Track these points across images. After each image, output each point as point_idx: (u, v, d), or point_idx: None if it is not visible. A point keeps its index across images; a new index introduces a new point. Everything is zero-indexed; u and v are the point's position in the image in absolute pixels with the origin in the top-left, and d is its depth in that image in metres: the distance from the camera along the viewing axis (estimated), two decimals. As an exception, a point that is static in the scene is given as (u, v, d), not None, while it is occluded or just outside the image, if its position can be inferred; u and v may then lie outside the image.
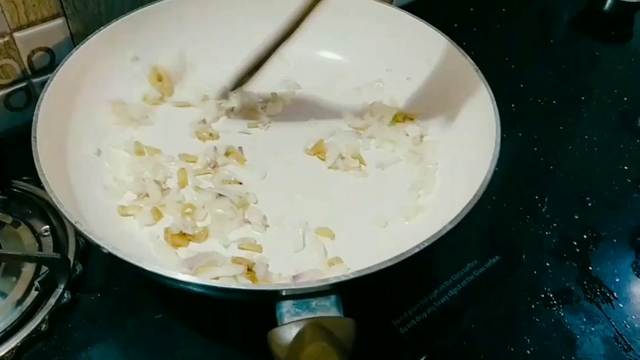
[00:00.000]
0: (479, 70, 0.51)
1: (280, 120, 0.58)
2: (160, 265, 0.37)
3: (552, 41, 0.79)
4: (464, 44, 0.56)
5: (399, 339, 0.46)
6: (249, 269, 0.44)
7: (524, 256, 0.53)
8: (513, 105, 0.68)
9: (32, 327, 0.45)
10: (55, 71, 0.51)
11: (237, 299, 0.38)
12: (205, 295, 0.38)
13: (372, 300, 0.46)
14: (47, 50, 0.58)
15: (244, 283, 0.43)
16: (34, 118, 0.46)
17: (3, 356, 0.43)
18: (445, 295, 0.49)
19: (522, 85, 0.71)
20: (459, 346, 0.47)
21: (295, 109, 0.59)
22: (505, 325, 0.48)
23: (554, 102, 0.70)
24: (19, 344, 0.44)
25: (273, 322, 0.36)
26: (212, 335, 0.46)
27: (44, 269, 0.47)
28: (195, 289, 0.37)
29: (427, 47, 0.57)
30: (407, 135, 0.56)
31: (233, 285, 0.40)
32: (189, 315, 0.47)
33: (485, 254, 0.52)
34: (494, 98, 0.49)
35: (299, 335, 0.34)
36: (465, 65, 0.52)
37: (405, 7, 0.60)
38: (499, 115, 0.48)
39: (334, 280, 0.36)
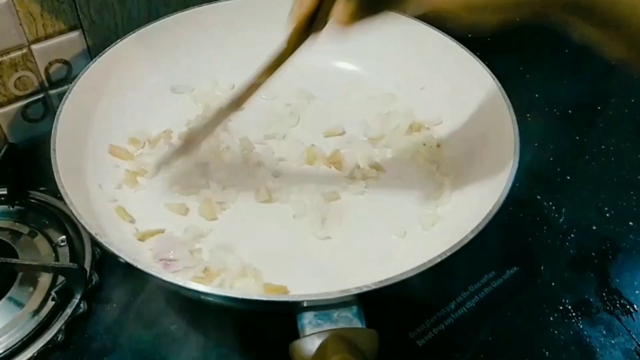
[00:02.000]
0: (496, 79, 0.51)
1: (295, 132, 0.58)
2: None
3: (567, 50, 0.79)
4: (478, 53, 0.56)
5: (417, 352, 0.46)
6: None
7: (542, 267, 0.53)
8: (528, 115, 0.68)
9: (49, 337, 0.45)
10: (73, 84, 0.51)
11: (258, 310, 0.38)
12: (226, 306, 0.38)
13: (390, 312, 0.46)
14: (64, 62, 0.59)
15: (265, 295, 0.43)
16: (52, 131, 0.47)
17: (20, 366, 0.44)
18: (462, 307, 0.49)
19: (537, 95, 0.71)
20: (477, 359, 0.46)
21: (310, 119, 0.59)
22: (524, 337, 0.48)
23: (570, 111, 0.69)
24: (35, 354, 0.45)
25: (293, 333, 0.36)
26: (229, 346, 0.46)
27: (61, 279, 0.48)
28: (216, 300, 0.37)
29: (442, 56, 0.57)
30: (424, 144, 0.56)
31: (255, 296, 0.40)
32: (205, 325, 0.47)
33: (502, 265, 0.52)
34: (511, 107, 0.49)
35: (321, 347, 0.34)
36: (482, 75, 0.53)
37: (419, 17, 0.60)
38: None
39: (356, 291, 0.36)
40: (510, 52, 0.78)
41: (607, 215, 0.58)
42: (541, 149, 0.65)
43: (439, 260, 0.38)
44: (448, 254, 0.38)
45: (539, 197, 0.60)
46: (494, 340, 0.47)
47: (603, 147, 0.66)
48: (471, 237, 0.39)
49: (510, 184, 0.43)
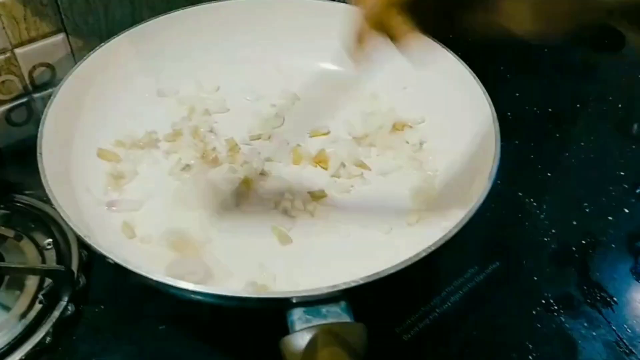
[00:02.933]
0: (477, 78, 0.53)
1: (280, 132, 0.59)
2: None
3: (546, 50, 0.80)
4: (459, 53, 0.58)
5: (403, 347, 0.47)
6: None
7: (524, 262, 0.54)
8: (509, 113, 0.70)
9: (37, 340, 0.45)
10: (58, 87, 0.52)
11: (247, 307, 0.39)
12: (215, 304, 0.39)
13: (375, 307, 0.47)
14: (48, 65, 0.60)
15: (254, 292, 0.43)
16: (38, 134, 0.47)
17: (8, 369, 0.44)
18: (447, 301, 0.50)
19: (517, 94, 0.73)
20: (462, 352, 0.47)
21: (295, 120, 0.60)
22: (507, 331, 0.49)
23: (550, 109, 0.71)
24: (23, 358, 0.44)
25: (283, 329, 0.37)
26: (217, 344, 0.46)
27: (48, 281, 0.48)
28: (205, 298, 0.37)
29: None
30: (407, 142, 0.57)
31: (244, 294, 0.41)
32: (193, 325, 0.47)
33: (485, 260, 0.53)
34: (492, 104, 0.50)
35: (311, 342, 0.35)
36: (463, 74, 0.54)
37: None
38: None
39: (344, 286, 0.37)
40: (491, 52, 0.80)
41: (587, 210, 0.60)
42: (522, 147, 0.66)
43: (423, 254, 0.39)
44: (432, 248, 0.39)
45: (520, 193, 0.61)
46: (478, 334, 0.48)
47: (582, 143, 0.67)
48: (454, 231, 0.40)
49: (491, 181, 0.44)
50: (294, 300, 0.37)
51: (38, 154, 0.45)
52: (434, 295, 0.50)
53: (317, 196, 0.52)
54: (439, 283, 0.51)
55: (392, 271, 0.37)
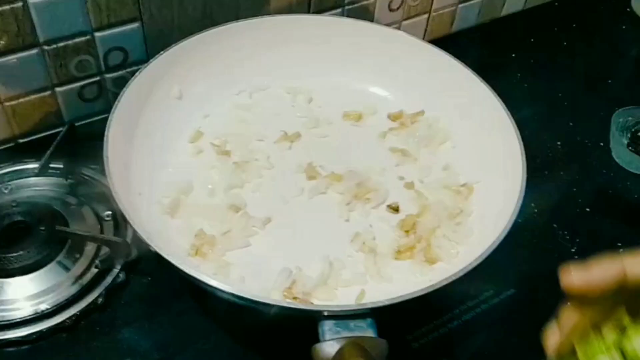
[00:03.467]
0: (512, 120, 0.61)
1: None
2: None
3: (609, 81, 0.87)
4: (518, 75, 0.63)
5: (410, 353, 0.56)
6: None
7: (540, 294, 0.62)
8: (559, 143, 0.78)
9: (90, 300, 0.57)
10: (123, 90, 0.61)
11: (281, 313, 0.48)
12: (249, 308, 0.48)
13: (391, 315, 0.56)
14: (122, 49, 0.72)
15: (289, 302, 0.53)
16: (104, 139, 0.56)
17: (64, 321, 0.56)
18: (458, 319, 0.59)
19: (571, 124, 0.80)
20: (467, 368, 0.57)
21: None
22: (514, 353, 0.58)
23: (601, 144, 0.78)
24: (78, 313, 0.57)
25: (314, 337, 0.46)
26: (248, 342, 0.57)
27: (105, 250, 0.60)
28: (241, 302, 0.47)
29: (461, 87, 0.67)
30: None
31: (281, 303, 0.50)
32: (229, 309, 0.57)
33: (502, 285, 0.62)
34: (521, 142, 0.59)
35: (339, 352, 0.44)
36: (500, 113, 0.62)
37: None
38: (531, 156, 0.58)
39: (371, 305, 0.47)
40: (553, 77, 0.87)
41: (620, 250, 0.67)
42: (566, 179, 0.74)
43: (444, 283, 0.48)
44: (453, 278, 0.48)
45: (555, 225, 0.69)
46: (484, 353, 0.58)
47: (628, 183, 0.74)
48: (475, 264, 0.49)
49: (513, 219, 0.53)
50: (325, 313, 0.47)
51: (105, 157, 0.55)
52: (446, 312, 0.59)
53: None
54: (453, 301, 0.60)
55: (415, 295, 0.47)
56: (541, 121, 0.79)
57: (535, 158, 0.59)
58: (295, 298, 0.54)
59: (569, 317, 0.42)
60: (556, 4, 1.02)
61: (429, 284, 0.48)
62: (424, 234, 0.59)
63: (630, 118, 0.80)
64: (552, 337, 0.42)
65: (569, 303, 0.41)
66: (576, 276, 0.39)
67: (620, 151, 0.77)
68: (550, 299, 0.60)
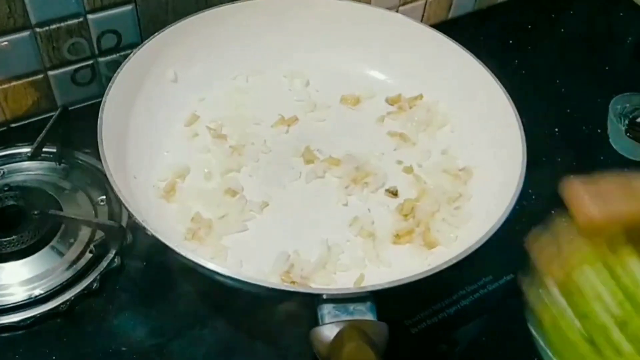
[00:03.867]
0: (512, 104, 0.61)
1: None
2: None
3: (607, 68, 0.87)
4: (516, 61, 0.64)
5: (408, 338, 0.56)
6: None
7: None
8: (556, 129, 0.77)
9: (84, 285, 0.57)
10: (116, 73, 0.60)
11: (279, 297, 0.48)
12: (246, 290, 0.48)
13: (391, 301, 0.56)
14: (115, 32, 0.70)
15: (288, 285, 0.52)
16: (98, 121, 0.55)
17: (59, 306, 0.55)
18: (457, 304, 0.59)
19: (568, 110, 0.80)
20: (464, 353, 0.57)
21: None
22: (512, 340, 0.57)
23: (599, 130, 0.78)
24: (72, 298, 0.56)
25: (312, 322, 0.46)
26: (247, 327, 0.57)
27: (99, 234, 0.59)
28: (238, 285, 0.46)
29: (461, 71, 0.67)
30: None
31: (280, 286, 0.50)
32: (228, 303, 0.57)
33: (501, 270, 0.62)
34: (522, 126, 0.59)
35: (338, 335, 0.44)
36: (500, 97, 0.62)
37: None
38: (529, 143, 0.57)
39: (370, 289, 0.47)
40: (551, 65, 0.87)
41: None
42: (565, 165, 0.73)
43: (444, 267, 0.47)
44: (453, 261, 0.48)
45: (553, 211, 0.69)
46: (482, 338, 0.57)
47: (626, 170, 0.74)
48: (475, 247, 0.49)
49: (514, 202, 0.53)
50: (325, 297, 0.46)
51: (99, 143, 0.53)
52: (446, 297, 0.59)
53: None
54: (452, 287, 0.59)
55: (414, 279, 0.46)
56: (538, 108, 0.78)
57: (532, 144, 0.58)
58: (293, 282, 0.53)
59: (570, 244, 0.40)
60: (553, -10, 1.02)
61: (428, 268, 0.48)
62: (423, 218, 0.59)
63: (627, 105, 0.80)
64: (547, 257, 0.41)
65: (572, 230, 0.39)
66: (595, 208, 0.36)
67: (618, 138, 0.77)
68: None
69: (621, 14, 0.98)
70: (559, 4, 0.98)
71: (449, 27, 0.89)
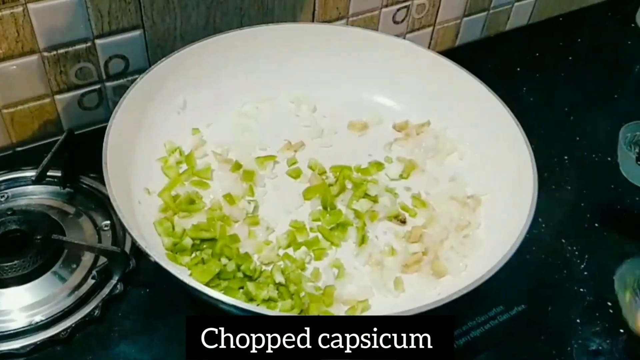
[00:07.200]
0: (522, 130, 0.60)
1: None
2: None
3: (616, 96, 0.86)
4: (524, 89, 0.64)
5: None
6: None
7: (549, 309, 0.61)
8: (566, 157, 0.77)
9: (87, 312, 0.56)
10: (123, 97, 0.60)
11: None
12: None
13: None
14: (123, 57, 0.71)
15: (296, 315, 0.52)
16: (104, 145, 0.55)
17: (59, 333, 0.54)
18: (467, 335, 0.57)
19: (577, 138, 0.80)
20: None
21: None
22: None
23: (609, 159, 0.77)
24: (73, 325, 0.55)
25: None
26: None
27: (102, 260, 0.58)
28: (243, 314, 0.46)
29: (469, 98, 0.67)
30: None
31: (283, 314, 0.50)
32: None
33: (512, 301, 0.60)
34: (532, 155, 0.58)
35: None
36: (509, 124, 0.62)
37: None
38: (538, 171, 0.57)
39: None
40: (559, 91, 0.87)
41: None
42: (574, 193, 0.73)
43: (455, 297, 0.47)
44: (464, 291, 0.47)
45: (563, 240, 0.68)
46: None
47: (637, 198, 0.73)
48: (487, 277, 0.48)
49: (524, 233, 0.52)
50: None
51: (103, 164, 0.53)
52: (456, 327, 0.57)
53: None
54: (462, 317, 0.58)
55: (425, 309, 0.46)
56: (547, 135, 0.78)
57: (542, 172, 0.58)
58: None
59: None
60: (560, 19, 1.02)
61: (437, 298, 0.47)
62: (431, 245, 0.58)
63: (638, 132, 0.79)
64: None
65: None
66: None
67: (628, 166, 0.76)
68: (560, 315, 0.62)
69: (629, 42, 0.98)
70: (567, 32, 0.99)
71: (457, 54, 0.90)
